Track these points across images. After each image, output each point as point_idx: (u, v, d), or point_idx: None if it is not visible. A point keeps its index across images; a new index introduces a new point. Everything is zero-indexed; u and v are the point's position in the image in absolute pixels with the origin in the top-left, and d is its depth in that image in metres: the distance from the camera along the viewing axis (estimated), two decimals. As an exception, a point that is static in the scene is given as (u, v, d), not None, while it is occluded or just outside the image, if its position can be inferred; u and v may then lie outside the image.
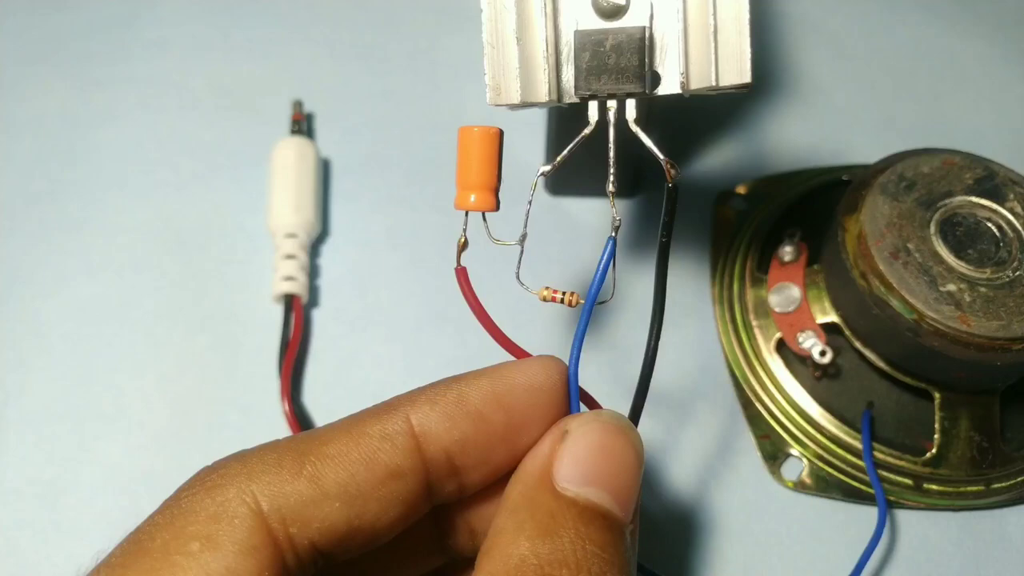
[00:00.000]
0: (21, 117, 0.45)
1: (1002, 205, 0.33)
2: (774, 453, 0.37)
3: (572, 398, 0.23)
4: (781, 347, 0.38)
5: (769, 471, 0.36)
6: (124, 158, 0.44)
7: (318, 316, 0.40)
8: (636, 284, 0.40)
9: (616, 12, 0.26)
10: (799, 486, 0.36)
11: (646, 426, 0.37)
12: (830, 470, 0.36)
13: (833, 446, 0.36)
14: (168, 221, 0.42)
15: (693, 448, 0.37)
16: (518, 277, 0.24)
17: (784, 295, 0.38)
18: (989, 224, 0.33)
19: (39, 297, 0.40)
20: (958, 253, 0.32)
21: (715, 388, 0.38)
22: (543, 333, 0.39)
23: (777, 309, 0.38)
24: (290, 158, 0.42)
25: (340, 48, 0.48)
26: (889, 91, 0.47)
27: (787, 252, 0.38)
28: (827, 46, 0.49)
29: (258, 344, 0.39)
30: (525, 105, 0.26)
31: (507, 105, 0.25)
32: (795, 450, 0.37)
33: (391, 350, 0.39)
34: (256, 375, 0.38)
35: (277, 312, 0.39)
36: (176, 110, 0.46)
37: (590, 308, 0.23)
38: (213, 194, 0.43)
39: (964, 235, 0.33)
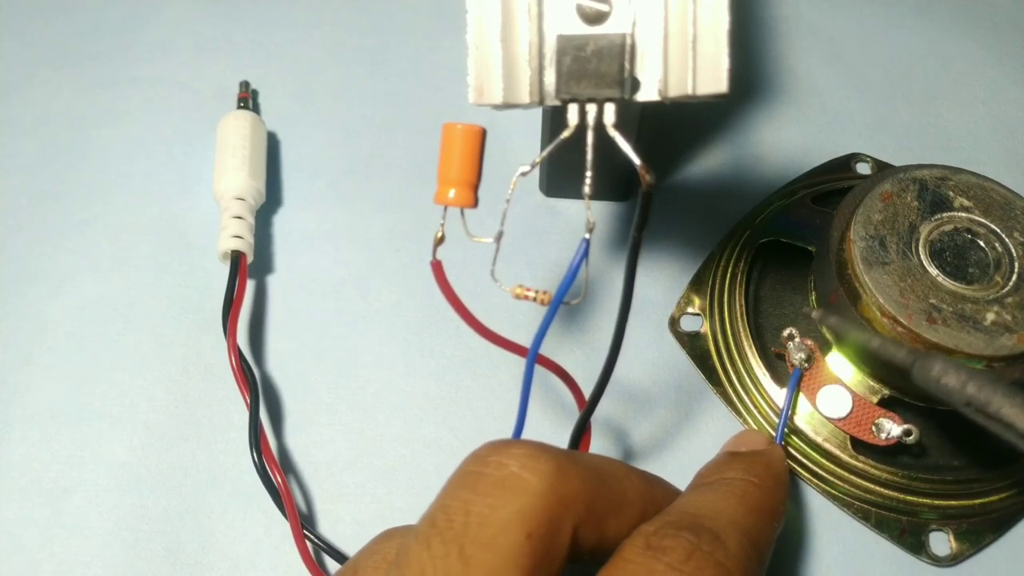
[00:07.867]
0: (26, 118, 0.46)
1: (954, 211, 0.33)
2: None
3: (525, 390, 0.24)
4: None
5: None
6: (128, 158, 0.45)
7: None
8: (636, 287, 0.40)
9: (599, 18, 0.26)
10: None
11: (645, 428, 0.38)
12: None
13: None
14: (172, 221, 0.43)
15: (691, 448, 0.38)
16: (492, 274, 0.25)
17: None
18: (967, 235, 0.33)
19: (43, 296, 0.41)
20: (956, 277, 0.32)
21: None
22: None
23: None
24: (245, 128, 0.42)
25: (342, 51, 0.49)
26: (884, 94, 0.47)
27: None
28: (822, 49, 0.49)
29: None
30: (507, 106, 0.26)
31: (489, 105, 0.26)
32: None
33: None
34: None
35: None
36: (179, 111, 0.46)
37: (556, 306, 0.24)
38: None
39: (953, 257, 0.33)
